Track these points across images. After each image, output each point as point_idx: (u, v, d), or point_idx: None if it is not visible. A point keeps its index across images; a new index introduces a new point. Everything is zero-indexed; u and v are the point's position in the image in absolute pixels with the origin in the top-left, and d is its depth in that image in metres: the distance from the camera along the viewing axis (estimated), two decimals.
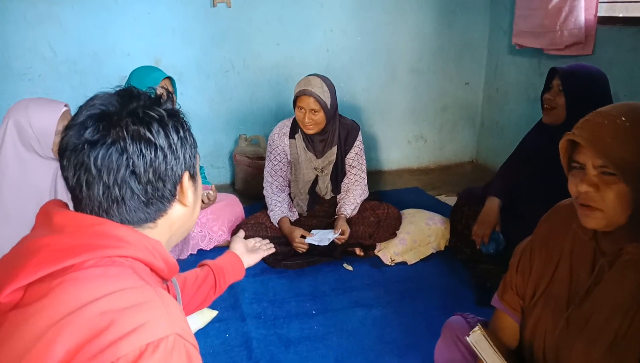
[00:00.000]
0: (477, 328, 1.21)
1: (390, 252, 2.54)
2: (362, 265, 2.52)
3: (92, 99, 0.76)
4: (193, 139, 0.83)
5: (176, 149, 0.77)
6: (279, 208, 2.58)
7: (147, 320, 0.64)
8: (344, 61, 3.62)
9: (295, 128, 2.55)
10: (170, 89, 2.46)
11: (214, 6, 3.26)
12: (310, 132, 2.44)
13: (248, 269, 2.37)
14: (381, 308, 2.15)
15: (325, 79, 2.44)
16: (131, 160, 0.72)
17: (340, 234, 2.42)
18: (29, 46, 3.02)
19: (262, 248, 1.54)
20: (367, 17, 3.59)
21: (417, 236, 2.59)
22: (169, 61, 3.27)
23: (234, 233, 2.59)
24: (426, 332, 1.92)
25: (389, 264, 2.52)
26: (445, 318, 1.44)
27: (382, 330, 2.01)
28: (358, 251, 2.60)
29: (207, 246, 2.60)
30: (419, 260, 2.55)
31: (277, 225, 2.55)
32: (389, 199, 2.88)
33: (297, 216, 2.66)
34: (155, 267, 0.77)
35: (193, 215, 0.87)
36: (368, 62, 3.70)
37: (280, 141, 2.57)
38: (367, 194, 2.71)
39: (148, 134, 0.74)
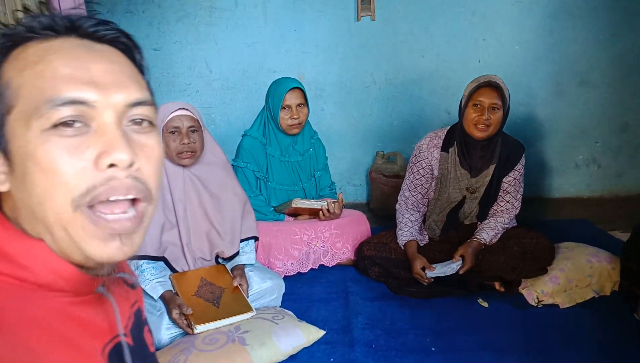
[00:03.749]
0: None
1: (537, 291, 2.12)
2: (501, 303, 2.14)
3: None
4: None
5: None
6: (409, 228, 2.33)
7: None
8: (498, 72, 3.16)
9: (450, 141, 2.25)
10: (300, 100, 2.43)
11: (357, 20, 3.21)
12: (482, 135, 2.11)
13: (366, 292, 2.23)
14: (517, 356, 1.77)
15: None
16: None
17: (460, 264, 2.10)
18: (189, 64, 3.30)
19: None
20: (526, 24, 3.20)
21: (574, 275, 2.13)
22: (311, 77, 3.30)
23: (357, 251, 2.44)
24: None
25: (535, 305, 2.10)
26: None
27: None
28: (498, 286, 2.22)
29: (329, 262, 2.47)
30: (574, 304, 2.08)
31: (402, 247, 2.32)
32: (548, 230, 2.42)
33: (428, 241, 2.38)
34: (33, 280, 0.55)
35: (28, 195, 0.55)
36: (527, 74, 3.28)
37: (428, 152, 2.30)
38: (515, 225, 2.33)
39: None
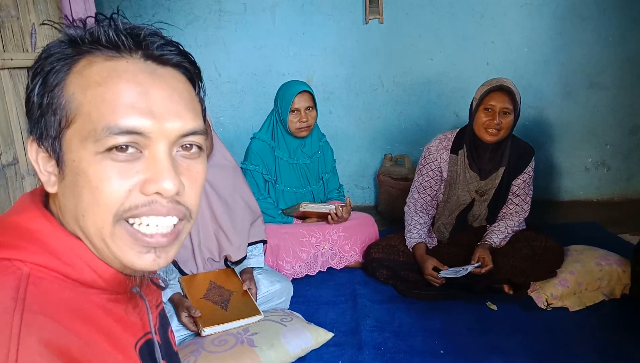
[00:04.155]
0: None
1: (546, 294, 2.12)
2: (510, 306, 2.13)
3: None
4: (51, 95, 0.57)
5: (32, 100, 0.58)
6: (418, 231, 2.33)
7: None
8: (507, 75, 3.17)
9: (459, 143, 2.24)
10: (309, 103, 2.44)
11: (366, 23, 3.22)
12: (493, 139, 2.10)
13: (374, 295, 2.24)
14: (524, 358, 1.77)
15: None
16: None
17: (478, 266, 2.09)
18: None
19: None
20: (535, 26, 3.19)
21: (584, 278, 2.12)
22: (319, 80, 3.31)
23: (365, 254, 2.44)
24: None
25: (544, 308, 2.09)
26: None
27: None
28: (507, 288, 2.22)
29: (337, 265, 2.48)
30: (584, 307, 2.07)
31: (410, 250, 2.32)
32: (557, 233, 2.41)
33: (436, 243, 2.38)
34: (75, 277, 0.58)
35: (73, 204, 0.57)
36: (536, 77, 3.27)
37: (437, 154, 2.29)
38: (524, 228, 2.32)
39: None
